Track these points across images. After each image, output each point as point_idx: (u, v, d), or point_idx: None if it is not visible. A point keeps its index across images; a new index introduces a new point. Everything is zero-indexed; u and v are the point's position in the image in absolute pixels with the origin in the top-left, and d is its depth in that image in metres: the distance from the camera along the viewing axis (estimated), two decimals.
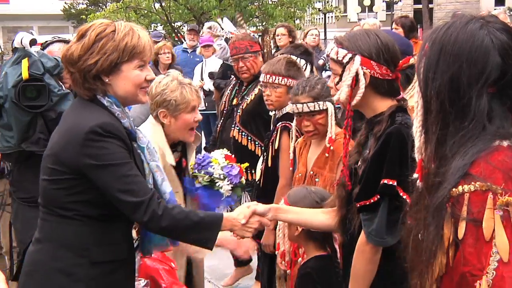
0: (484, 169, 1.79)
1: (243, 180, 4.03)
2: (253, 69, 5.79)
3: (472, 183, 1.77)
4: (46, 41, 4.59)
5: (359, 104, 2.93)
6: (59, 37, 4.74)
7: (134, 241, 3.15)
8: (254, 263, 5.86)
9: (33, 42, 4.14)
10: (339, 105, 3.71)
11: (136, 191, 2.76)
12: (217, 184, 3.87)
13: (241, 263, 5.98)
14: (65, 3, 38.89)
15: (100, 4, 30.24)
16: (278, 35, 8.92)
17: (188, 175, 4.01)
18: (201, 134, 9.06)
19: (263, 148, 5.20)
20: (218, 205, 3.95)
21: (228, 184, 3.87)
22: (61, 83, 4.27)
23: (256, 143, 5.52)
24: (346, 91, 2.89)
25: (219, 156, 3.93)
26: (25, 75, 4.07)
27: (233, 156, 4.11)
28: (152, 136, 3.52)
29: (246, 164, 4.14)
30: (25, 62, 4.09)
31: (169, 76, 3.85)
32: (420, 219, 1.96)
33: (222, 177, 3.85)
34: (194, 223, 2.86)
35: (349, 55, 2.90)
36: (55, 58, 4.26)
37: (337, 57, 2.93)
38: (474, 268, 1.76)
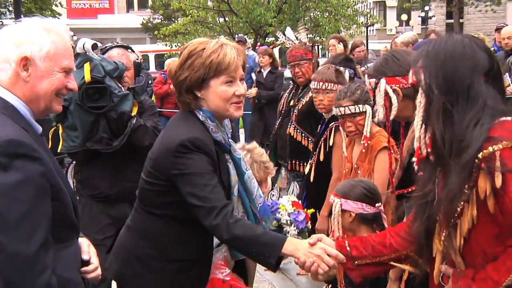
0: (502, 132, 1.96)
1: (309, 225, 3.84)
2: (307, 74, 5.76)
3: (499, 143, 1.93)
4: (106, 46, 4.41)
5: (403, 116, 2.98)
6: (118, 43, 4.56)
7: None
8: None
9: (94, 47, 3.92)
10: None
11: (210, 199, 2.66)
12: (284, 229, 3.68)
13: None
14: (143, 18, 39.32)
15: (173, 19, 30.27)
16: (330, 46, 8.71)
17: None
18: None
19: (311, 142, 5.23)
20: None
21: (294, 230, 3.68)
22: (120, 85, 4.10)
23: (309, 139, 5.44)
24: (382, 111, 2.96)
25: (287, 203, 3.74)
26: (87, 78, 3.90)
27: (299, 202, 3.92)
28: None
29: (312, 211, 3.99)
30: (87, 66, 3.93)
31: (244, 150, 3.57)
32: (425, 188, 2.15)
33: (289, 222, 3.67)
34: (257, 235, 2.66)
35: (374, 81, 2.98)
36: (114, 62, 4.10)
37: (371, 87, 3.04)
38: None
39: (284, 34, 6.64)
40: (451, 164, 2.01)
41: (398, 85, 2.94)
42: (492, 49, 6.48)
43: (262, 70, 9.95)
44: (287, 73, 12.46)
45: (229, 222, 2.61)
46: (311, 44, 6.14)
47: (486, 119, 2.00)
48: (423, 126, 2.13)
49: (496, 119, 2.00)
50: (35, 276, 2.00)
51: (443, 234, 2.10)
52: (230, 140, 2.96)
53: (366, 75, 3.53)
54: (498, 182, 1.90)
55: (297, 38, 6.43)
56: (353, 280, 2.65)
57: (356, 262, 2.58)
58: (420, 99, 2.14)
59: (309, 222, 3.82)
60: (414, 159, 2.24)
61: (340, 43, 8.20)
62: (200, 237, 2.87)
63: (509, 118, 2.02)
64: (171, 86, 11.81)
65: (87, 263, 2.40)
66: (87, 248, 2.44)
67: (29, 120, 2.23)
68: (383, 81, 2.95)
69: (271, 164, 3.65)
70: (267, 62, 9.86)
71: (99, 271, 2.44)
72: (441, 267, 2.18)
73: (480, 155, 1.93)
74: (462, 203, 1.99)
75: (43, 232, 2.04)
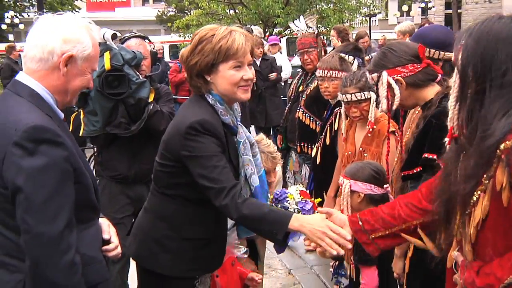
0: None
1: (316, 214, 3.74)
2: (315, 61, 5.72)
3: None
4: (124, 36, 4.39)
5: (408, 104, 2.98)
6: (135, 33, 4.54)
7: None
8: None
9: (114, 37, 3.91)
10: None
11: (220, 180, 2.63)
12: None
13: None
14: (158, 11, 39.24)
15: (186, 11, 30.18)
16: (331, 37, 8.73)
17: None
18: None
19: (319, 125, 5.18)
20: (292, 236, 3.70)
21: None
22: (138, 73, 4.10)
23: (317, 122, 5.40)
24: (385, 102, 2.93)
25: (295, 192, 3.65)
26: (107, 66, 3.90)
27: (307, 191, 3.85)
28: None
29: (319, 200, 3.89)
30: (107, 55, 3.92)
31: None
32: (450, 171, 2.02)
33: (296, 211, 3.56)
34: (264, 213, 2.64)
35: (376, 74, 2.94)
36: (132, 51, 4.09)
37: (373, 82, 2.99)
38: None
39: (295, 24, 6.59)
40: (472, 149, 1.91)
41: (400, 75, 2.89)
42: None
43: (255, 59, 9.98)
44: (296, 61, 12.50)
45: (237, 202, 2.59)
46: (316, 34, 6.09)
47: None
48: (457, 106, 2.02)
49: None
50: (60, 255, 2.00)
51: (459, 220, 2.02)
52: (239, 123, 2.94)
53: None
54: None
55: (307, 25, 6.39)
56: (371, 255, 2.60)
57: (371, 236, 2.52)
58: (455, 79, 2.03)
59: (316, 211, 3.80)
60: (446, 139, 2.13)
61: (339, 35, 8.09)
62: (213, 216, 2.85)
63: None
64: (186, 74, 11.83)
65: (107, 242, 2.40)
66: (107, 228, 2.44)
67: (53, 107, 2.22)
68: (385, 73, 2.90)
69: (278, 155, 3.62)
70: (261, 52, 10.04)
71: (119, 250, 2.44)
72: (453, 253, 2.11)
73: (502, 146, 1.82)
74: (479, 192, 1.90)
75: (67, 214, 2.04)
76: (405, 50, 2.95)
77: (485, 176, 1.87)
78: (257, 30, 11.95)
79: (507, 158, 1.80)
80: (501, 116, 1.86)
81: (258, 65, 9.93)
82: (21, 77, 2.22)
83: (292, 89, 6.27)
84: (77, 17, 2.30)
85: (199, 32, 2.81)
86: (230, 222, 3.13)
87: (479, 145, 1.88)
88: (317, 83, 5.33)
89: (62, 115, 2.27)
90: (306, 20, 6.42)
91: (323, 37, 7.36)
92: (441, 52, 3.20)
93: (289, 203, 3.62)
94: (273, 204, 3.69)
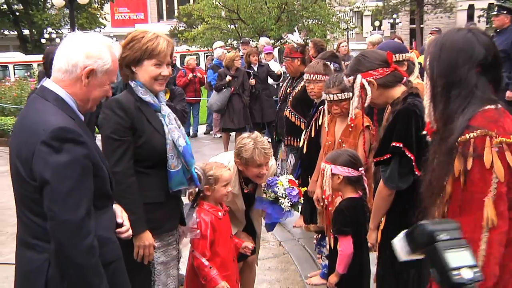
0: (481, 121, 1.89)
1: (301, 200, 3.79)
2: (291, 67, 5.90)
3: (475, 131, 1.87)
4: None
5: (379, 102, 2.97)
6: None
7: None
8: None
9: None
10: None
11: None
12: (280, 201, 3.65)
13: None
14: (171, 26, 39.06)
15: (194, 26, 30.03)
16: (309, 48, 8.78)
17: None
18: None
19: (305, 123, 5.14)
20: (281, 217, 3.73)
21: (288, 202, 3.65)
22: None
23: (301, 120, 5.42)
24: (357, 100, 2.94)
25: (284, 180, 3.70)
26: None
27: (296, 181, 3.87)
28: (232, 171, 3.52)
29: (305, 189, 3.95)
30: None
31: (249, 138, 3.52)
32: (432, 161, 2.02)
33: (284, 196, 3.63)
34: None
35: (352, 78, 2.95)
36: None
37: (349, 84, 3.00)
38: (481, 188, 1.86)
39: (289, 37, 6.69)
40: (441, 143, 1.96)
41: (372, 77, 2.89)
42: None
43: (252, 65, 9.99)
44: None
45: None
46: (304, 45, 6.08)
47: (471, 108, 1.92)
48: (431, 104, 2.05)
49: (481, 108, 1.92)
50: (81, 239, 1.98)
51: (440, 201, 2.04)
52: (162, 103, 2.92)
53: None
54: (469, 164, 1.87)
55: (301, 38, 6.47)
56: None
57: None
58: (426, 81, 2.07)
59: (302, 197, 3.78)
60: (424, 132, 2.15)
61: (315, 47, 8.04)
62: (160, 181, 2.83)
63: (492, 106, 1.94)
64: (188, 77, 11.86)
65: (120, 225, 2.37)
66: (120, 213, 2.41)
67: (75, 111, 2.19)
68: (359, 76, 2.90)
69: (271, 151, 3.57)
70: (256, 59, 10.00)
71: (130, 232, 2.41)
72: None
73: (459, 139, 1.88)
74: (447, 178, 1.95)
75: (87, 204, 2.02)
76: (376, 57, 2.96)
77: (444, 159, 1.93)
78: (265, 40, 11.87)
79: (462, 149, 1.88)
80: (460, 112, 1.92)
81: (256, 70, 9.90)
82: (48, 83, 2.19)
83: (282, 90, 6.30)
84: (100, 36, 2.27)
85: (133, 32, 2.89)
86: (186, 209, 3.15)
87: (446, 139, 1.93)
88: (301, 86, 5.40)
89: (82, 117, 2.25)
90: (297, 34, 6.48)
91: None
92: (401, 54, 3.47)
93: (278, 189, 3.62)
94: (265, 189, 3.68)
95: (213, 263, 3.24)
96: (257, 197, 3.76)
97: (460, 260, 1.28)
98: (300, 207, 4.01)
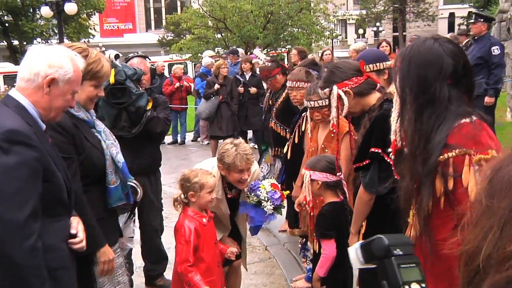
0: (458, 139, 1.83)
1: (284, 203, 3.79)
2: (276, 84, 6.03)
3: (453, 150, 1.82)
4: (128, 56, 4.45)
5: (355, 111, 2.96)
6: (137, 53, 4.60)
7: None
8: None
9: (116, 57, 3.92)
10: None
11: None
12: (262, 204, 3.64)
13: None
14: (159, 36, 38.96)
15: (182, 36, 30.00)
16: (292, 55, 8.85)
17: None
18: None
19: (288, 132, 5.16)
20: (264, 220, 3.73)
21: (270, 205, 3.64)
22: (138, 86, 4.12)
23: (286, 130, 5.41)
24: (335, 110, 2.95)
25: (267, 184, 3.70)
26: (112, 80, 3.92)
27: (279, 185, 3.86)
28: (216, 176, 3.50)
29: (287, 192, 3.90)
30: (112, 71, 3.91)
31: (231, 144, 3.50)
32: (408, 179, 1.94)
33: (266, 199, 3.62)
34: None
35: (328, 89, 2.95)
36: (134, 68, 4.12)
37: (325, 96, 2.99)
38: (464, 206, 1.76)
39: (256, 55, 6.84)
40: (417, 160, 1.89)
41: (348, 87, 2.90)
42: None
43: (245, 73, 9.99)
44: None
45: None
46: (286, 53, 6.20)
47: (446, 124, 1.86)
48: (398, 121, 1.99)
49: (457, 122, 1.86)
50: (24, 238, 1.97)
51: (413, 211, 2.01)
52: (95, 119, 2.88)
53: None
54: (450, 185, 1.83)
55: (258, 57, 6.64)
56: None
57: None
58: (396, 98, 2.00)
59: (284, 200, 3.78)
60: (389, 149, 2.11)
61: (299, 54, 8.08)
62: (95, 201, 2.76)
63: (467, 120, 1.87)
64: (175, 86, 11.89)
65: (74, 236, 2.34)
66: (76, 224, 2.37)
67: (35, 119, 2.19)
68: (335, 87, 2.91)
69: (252, 157, 3.56)
70: (248, 67, 9.97)
71: (83, 244, 2.37)
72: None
73: (439, 159, 1.83)
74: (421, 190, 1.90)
75: (33, 205, 2.01)
76: (349, 67, 2.99)
77: (426, 181, 1.87)
78: (241, 51, 11.97)
79: (442, 169, 1.83)
80: (436, 129, 1.86)
81: (247, 79, 9.89)
82: (12, 92, 2.22)
83: (265, 101, 6.43)
84: (64, 48, 2.31)
85: (76, 49, 2.62)
86: (122, 220, 3.09)
87: (423, 155, 1.87)
88: (283, 97, 5.52)
89: (43, 126, 2.24)
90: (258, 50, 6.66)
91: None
92: (376, 64, 3.33)
93: (260, 192, 3.62)
94: (248, 193, 3.68)
95: (198, 268, 3.23)
96: (240, 201, 3.76)
97: (410, 275, 1.32)
98: (283, 210, 4.00)
